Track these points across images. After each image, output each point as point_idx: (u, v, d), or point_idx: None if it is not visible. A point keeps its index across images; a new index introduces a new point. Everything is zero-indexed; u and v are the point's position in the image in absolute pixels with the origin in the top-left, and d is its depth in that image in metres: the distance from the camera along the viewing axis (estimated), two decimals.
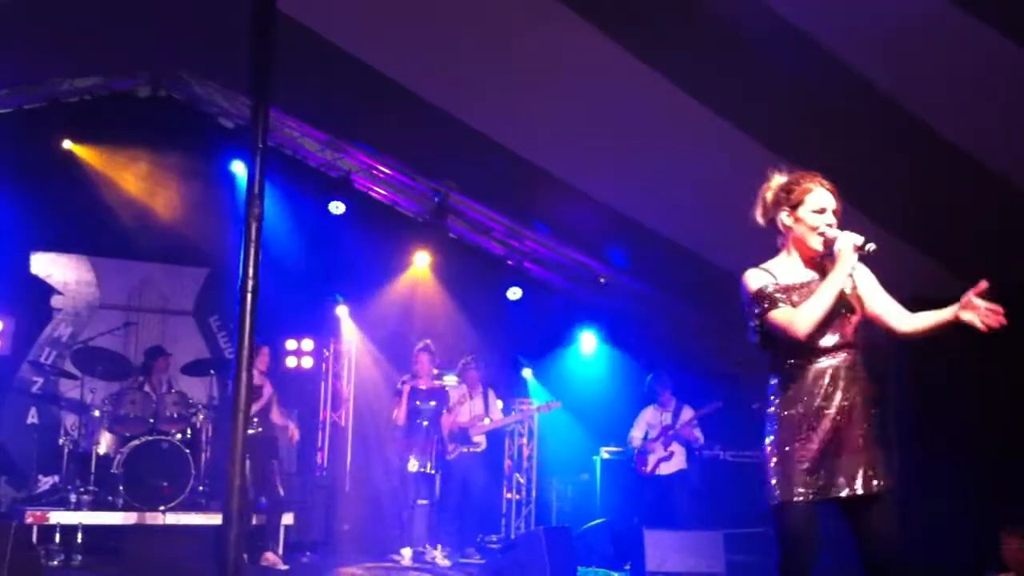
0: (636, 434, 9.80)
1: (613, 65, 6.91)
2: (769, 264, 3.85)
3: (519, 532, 11.40)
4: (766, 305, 3.71)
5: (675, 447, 9.56)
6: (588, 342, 12.29)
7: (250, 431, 8.08)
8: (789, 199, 3.80)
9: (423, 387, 9.26)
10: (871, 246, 3.62)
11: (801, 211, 3.77)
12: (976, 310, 3.54)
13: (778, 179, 3.87)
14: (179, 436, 9.05)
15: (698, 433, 9.62)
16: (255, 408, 8.45)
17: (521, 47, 7.12)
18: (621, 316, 11.92)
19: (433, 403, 9.18)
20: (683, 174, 8.07)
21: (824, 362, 3.71)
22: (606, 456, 10.89)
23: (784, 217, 3.82)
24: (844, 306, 3.72)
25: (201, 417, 9.36)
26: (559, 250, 11.60)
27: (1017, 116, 6.31)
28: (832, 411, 3.67)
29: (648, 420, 9.77)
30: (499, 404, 10.33)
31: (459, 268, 11.81)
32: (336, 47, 7.56)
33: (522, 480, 12.16)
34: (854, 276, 3.78)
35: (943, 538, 7.23)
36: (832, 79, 6.36)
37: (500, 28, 7.04)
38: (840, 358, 3.72)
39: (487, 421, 9.90)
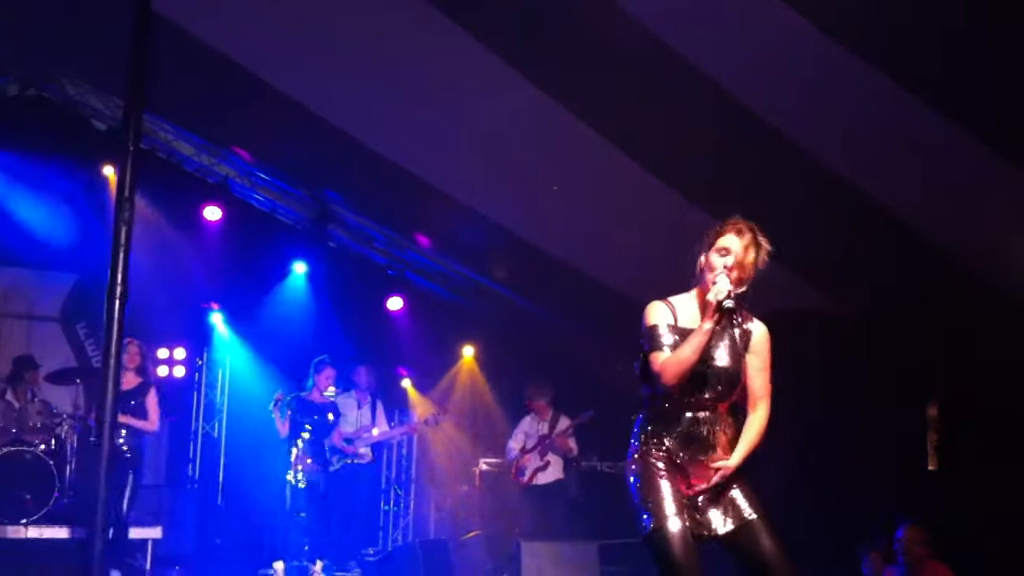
0: (514, 444, 9.82)
1: (496, 79, 6.95)
2: (675, 299, 3.87)
3: (396, 544, 11.33)
4: (651, 346, 3.76)
5: (551, 457, 9.61)
6: (468, 353, 12.29)
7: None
8: (706, 241, 3.83)
9: (317, 400, 9.13)
10: (727, 303, 3.61)
11: (710, 252, 3.79)
12: None
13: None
14: (43, 447, 8.72)
15: (572, 443, 9.67)
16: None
17: (403, 58, 7.11)
18: (503, 328, 11.95)
19: (329, 415, 9.09)
20: (572, 193, 8.13)
21: (696, 413, 3.76)
22: (486, 467, 10.90)
23: (701, 257, 3.84)
24: (727, 370, 3.76)
25: (66, 427, 9.04)
26: (442, 261, 11.58)
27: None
28: (698, 459, 3.74)
29: (525, 430, 9.81)
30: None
31: (339, 277, 11.68)
32: (213, 50, 7.42)
33: (400, 492, 12.09)
34: (751, 344, 3.80)
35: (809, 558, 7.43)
36: (694, 90, 6.53)
37: (382, 38, 7.02)
38: (713, 412, 3.77)
39: (375, 432, 9.81)
